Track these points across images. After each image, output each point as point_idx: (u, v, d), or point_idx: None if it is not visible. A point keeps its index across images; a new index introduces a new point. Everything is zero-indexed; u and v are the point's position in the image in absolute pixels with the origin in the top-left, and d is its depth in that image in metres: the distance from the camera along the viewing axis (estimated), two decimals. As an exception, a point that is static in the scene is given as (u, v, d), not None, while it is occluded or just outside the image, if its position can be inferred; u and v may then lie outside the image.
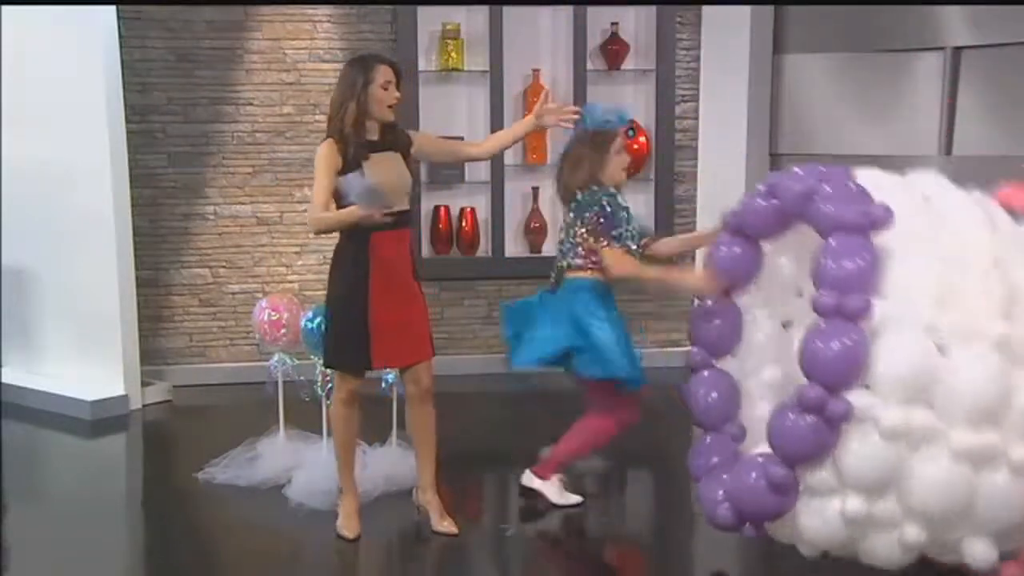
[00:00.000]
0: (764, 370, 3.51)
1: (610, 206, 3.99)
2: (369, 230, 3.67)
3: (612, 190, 4.05)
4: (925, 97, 5.74)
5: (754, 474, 3.11)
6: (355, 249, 3.71)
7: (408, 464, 4.33)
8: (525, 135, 4.18)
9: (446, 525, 3.89)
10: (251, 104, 6.08)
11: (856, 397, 2.91)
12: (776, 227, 3.32)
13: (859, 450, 2.93)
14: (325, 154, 3.68)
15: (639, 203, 6.44)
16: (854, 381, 2.93)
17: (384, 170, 3.70)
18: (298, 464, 4.44)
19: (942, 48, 5.67)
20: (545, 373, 6.32)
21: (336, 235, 3.81)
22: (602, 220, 3.96)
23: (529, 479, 4.27)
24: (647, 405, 5.90)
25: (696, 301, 3.65)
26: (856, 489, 2.97)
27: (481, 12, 6.14)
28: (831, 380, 2.91)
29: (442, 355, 6.20)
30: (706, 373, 3.49)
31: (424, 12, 6.08)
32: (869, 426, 2.92)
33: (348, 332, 3.74)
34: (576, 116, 4.06)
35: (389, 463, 4.40)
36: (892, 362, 2.91)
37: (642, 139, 6.32)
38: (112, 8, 5.50)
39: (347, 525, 3.90)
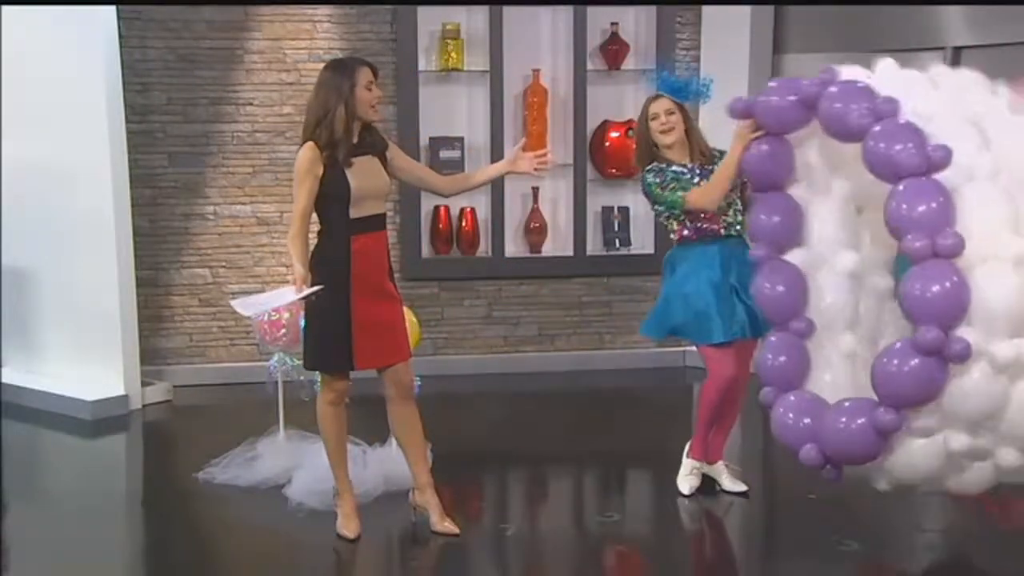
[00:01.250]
0: (837, 257, 3.50)
1: (657, 176, 4.10)
2: (350, 232, 3.69)
3: (662, 166, 4.13)
4: (925, 97, 5.74)
5: (850, 420, 3.11)
6: (335, 251, 3.71)
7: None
8: (495, 178, 4.25)
9: (447, 525, 3.88)
10: (251, 104, 6.08)
11: (968, 334, 2.93)
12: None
13: (971, 386, 2.96)
14: (308, 158, 3.64)
15: (640, 202, 6.45)
16: (962, 319, 2.94)
17: (366, 173, 3.71)
18: (298, 464, 4.43)
19: (942, 48, 5.68)
20: (551, 372, 6.36)
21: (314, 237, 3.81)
22: (660, 184, 4.10)
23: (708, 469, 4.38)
24: (648, 403, 5.93)
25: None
26: (963, 424, 3.01)
27: (481, 12, 6.14)
28: (944, 320, 2.92)
29: (442, 355, 6.28)
30: (771, 265, 3.51)
31: (424, 12, 6.08)
32: (983, 362, 2.94)
33: (330, 334, 3.73)
34: (547, 162, 4.09)
35: (389, 463, 4.39)
36: (995, 296, 2.92)
37: (642, 139, 6.32)
38: (112, 8, 5.50)
39: (347, 525, 3.89)
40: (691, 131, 4.19)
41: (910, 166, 3.01)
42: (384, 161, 3.81)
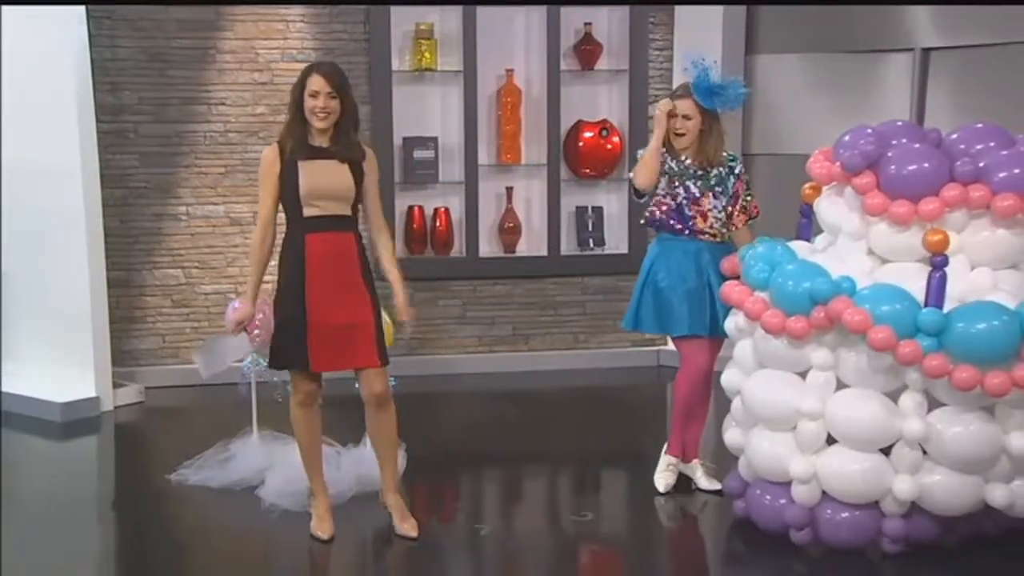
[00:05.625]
0: None
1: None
2: (304, 231, 3.73)
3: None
4: (895, 97, 5.80)
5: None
6: (292, 250, 3.76)
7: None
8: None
9: (406, 528, 3.88)
10: (223, 104, 6.05)
11: None
12: None
13: None
14: (267, 158, 3.77)
15: (612, 203, 6.48)
16: None
17: (322, 174, 3.73)
18: (271, 465, 4.41)
19: (911, 49, 5.74)
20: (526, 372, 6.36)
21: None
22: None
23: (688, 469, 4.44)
24: (622, 403, 5.95)
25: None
26: None
27: (455, 12, 6.14)
28: None
29: (416, 355, 6.27)
30: None
31: (397, 12, 6.07)
32: None
33: (287, 332, 3.75)
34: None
35: (363, 464, 4.38)
36: None
37: (615, 139, 6.34)
38: (81, 8, 5.45)
39: (320, 526, 3.89)
40: (705, 135, 4.19)
41: None
42: (356, 170, 3.79)
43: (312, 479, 3.94)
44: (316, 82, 3.69)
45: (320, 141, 3.75)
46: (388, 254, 3.94)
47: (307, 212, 3.73)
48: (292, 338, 3.74)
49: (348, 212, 3.79)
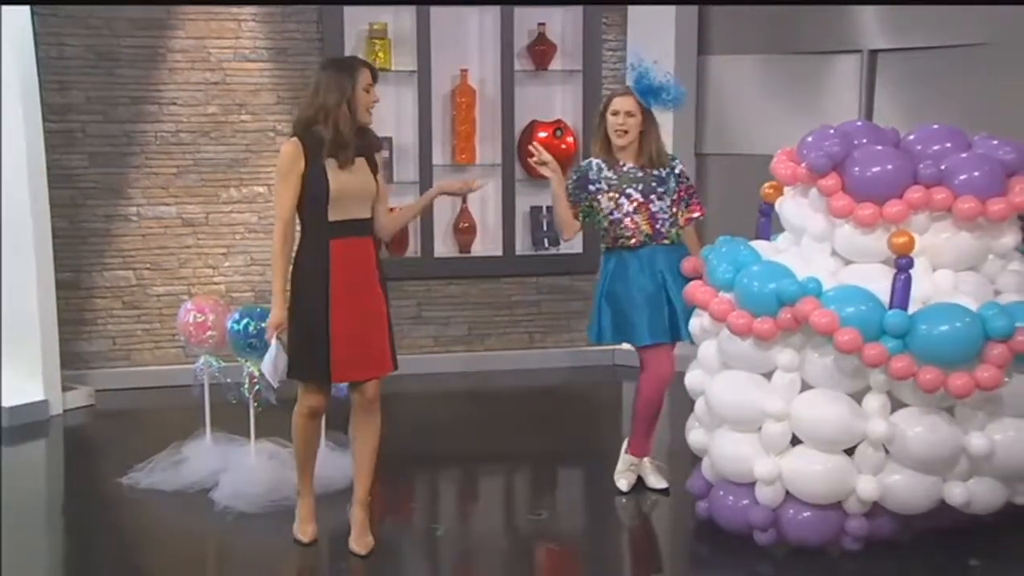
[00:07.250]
0: None
1: (573, 175, 4.34)
2: (328, 235, 3.59)
3: (594, 161, 4.28)
4: (844, 98, 5.90)
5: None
6: (315, 256, 3.59)
7: (337, 465, 4.31)
8: (428, 204, 4.10)
9: (357, 546, 3.77)
10: (175, 104, 5.98)
11: None
12: None
13: None
14: (290, 153, 3.56)
15: (567, 203, 6.50)
16: None
17: (349, 174, 3.59)
18: (225, 467, 4.38)
19: (859, 51, 5.84)
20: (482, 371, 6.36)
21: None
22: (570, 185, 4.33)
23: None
24: (577, 402, 5.98)
25: None
26: None
27: (408, 12, 6.13)
28: None
29: (371, 356, 6.24)
30: None
31: (350, 12, 6.04)
32: None
33: (308, 343, 3.61)
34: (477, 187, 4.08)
35: (319, 465, 4.36)
36: None
37: (569, 139, 6.36)
38: (25, 6, 5.36)
39: (301, 529, 3.84)
40: (645, 135, 4.21)
41: None
42: (373, 164, 3.69)
43: (299, 483, 3.87)
44: (368, 75, 3.62)
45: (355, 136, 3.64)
46: (397, 214, 3.91)
47: (332, 216, 3.57)
48: (313, 349, 3.59)
49: (368, 214, 3.67)
